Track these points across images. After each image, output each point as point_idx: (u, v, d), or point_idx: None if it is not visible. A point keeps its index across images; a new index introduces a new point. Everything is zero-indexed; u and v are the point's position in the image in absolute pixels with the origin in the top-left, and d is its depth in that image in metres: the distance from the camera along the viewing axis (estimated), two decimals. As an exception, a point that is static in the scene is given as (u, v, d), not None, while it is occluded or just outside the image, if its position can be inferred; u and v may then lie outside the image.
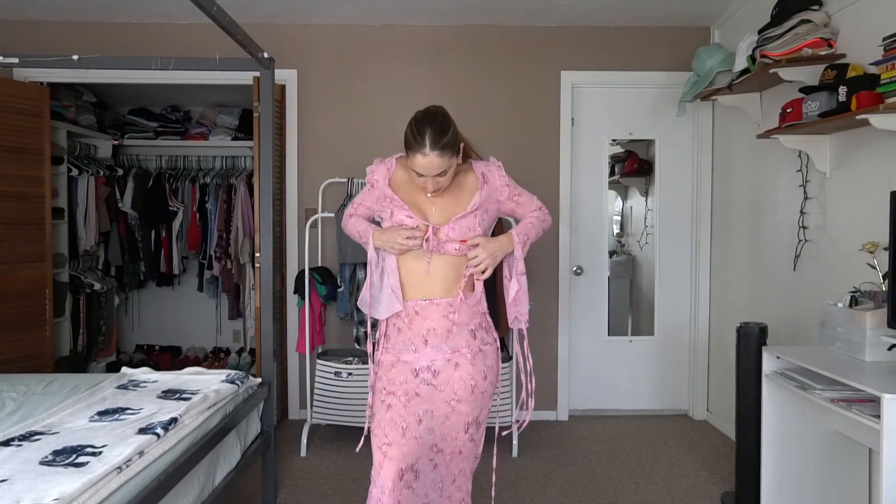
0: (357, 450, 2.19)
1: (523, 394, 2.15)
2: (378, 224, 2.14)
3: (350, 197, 4.08)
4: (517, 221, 2.19)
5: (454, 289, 2.02)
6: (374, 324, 2.15)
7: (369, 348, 2.13)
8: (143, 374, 2.84)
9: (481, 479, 3.16)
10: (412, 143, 1.92)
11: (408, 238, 1.95)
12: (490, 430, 2.29)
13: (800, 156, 3.19)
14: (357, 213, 2.20)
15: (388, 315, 2.05)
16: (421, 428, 2.01)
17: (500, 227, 3.63)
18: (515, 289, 2.09)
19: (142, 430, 2.02)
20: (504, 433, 3.66)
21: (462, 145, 2.01)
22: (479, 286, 2.06)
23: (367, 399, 2.65)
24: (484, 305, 2.11)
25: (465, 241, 1.98)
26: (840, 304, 2.49)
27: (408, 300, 2.03)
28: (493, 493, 2.41)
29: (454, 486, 2.09)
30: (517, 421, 3.77)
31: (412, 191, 2.05)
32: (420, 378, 2.03)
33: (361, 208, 2.19)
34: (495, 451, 2.34)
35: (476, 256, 1.98)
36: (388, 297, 2.03)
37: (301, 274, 3.95)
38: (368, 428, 2.10)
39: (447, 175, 1.96)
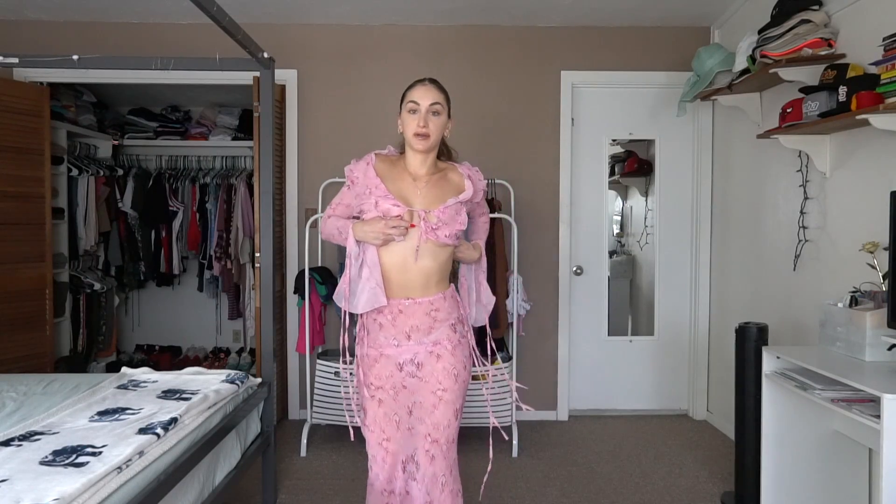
0: (352, 438, 2.23)
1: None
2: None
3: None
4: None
5: (433, 286, 2.06)
6: (354, 320, 2.15)
7: (343, 342, 2.14)
8: (143, 374, 2.84)
9: (481, 478, 3.16)
10: (411, 84, 2.08)
11: (394, 228, 1.96)
12: (485, 430, 2.32)
13: (800, 156, 3.19)
14: (335, 214, 2.19)
15: (369, 309, 2.05)
16: (412, 419, 2.07)
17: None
18: (488, 293, 2.26)
19: (142, 430, 2.02)
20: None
21: (449, 126, 2.12)
22: (452, 289, 2.16)
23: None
24: (459, 300, 2.18)
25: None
26: (840, 304, 2.49)
27: (391, 299, 2.04)
28: (482, 491, 2.42)
29: (451, 477, 2.13)
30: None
31: (394, 179, 2.07)
32: (405, 371, 2.07)
33: (340, 207, 2.18)
34: (491, 454, 2.36)
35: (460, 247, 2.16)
36: (370, 291, 2.02)
37: (301, 274, 3.95)
38: (354, 421, 2.18)
39: (438, 123, 2.05)
